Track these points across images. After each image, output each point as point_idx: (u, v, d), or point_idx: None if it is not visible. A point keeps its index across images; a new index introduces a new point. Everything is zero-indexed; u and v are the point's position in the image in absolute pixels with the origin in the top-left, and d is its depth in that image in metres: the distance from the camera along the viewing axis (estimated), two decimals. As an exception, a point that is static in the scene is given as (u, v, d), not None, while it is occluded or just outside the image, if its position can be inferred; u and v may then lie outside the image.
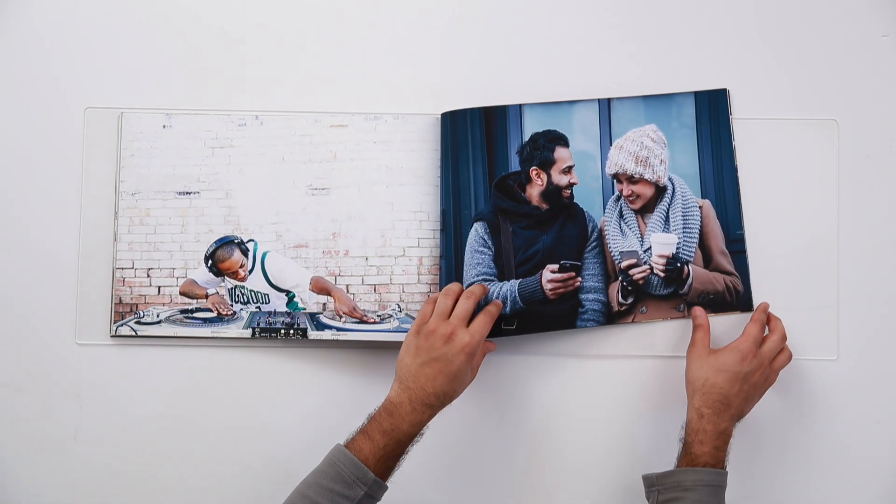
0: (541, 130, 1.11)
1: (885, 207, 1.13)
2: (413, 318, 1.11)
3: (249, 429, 1.12)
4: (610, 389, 1.12)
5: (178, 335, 1.11)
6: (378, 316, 1.12)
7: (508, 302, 1.09)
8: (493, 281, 1.09)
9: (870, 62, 1.13)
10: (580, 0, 1.15)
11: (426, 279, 1.12)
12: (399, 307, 1.12)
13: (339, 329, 1.11)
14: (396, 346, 1.09)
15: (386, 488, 0.96)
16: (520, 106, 1.11)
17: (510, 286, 1.09)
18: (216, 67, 1.14)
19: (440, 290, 1.07)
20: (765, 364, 1.04)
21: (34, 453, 1.11)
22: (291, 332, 1.11)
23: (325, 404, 1.11)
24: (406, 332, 1.09)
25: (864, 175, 1.13)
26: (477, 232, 1.10)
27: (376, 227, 1.12)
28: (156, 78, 1.14)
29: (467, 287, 1.06)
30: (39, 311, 1.12)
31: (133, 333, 1.11)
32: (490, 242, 1.10)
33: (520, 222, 1.10)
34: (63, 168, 1.12)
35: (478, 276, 1.09)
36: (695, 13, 1.14)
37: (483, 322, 1.01)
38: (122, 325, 1.11)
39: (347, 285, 1.12)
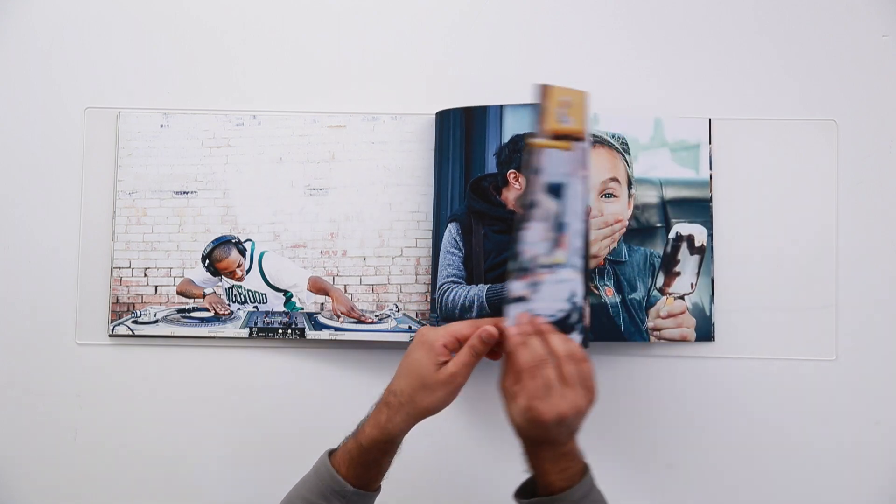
0: (522, 133, 1.06)
1: (884, 208, 1.12)
2: (411, 317, 1.11)
3: (247, 428, 1.12)
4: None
5: (176, 335, 1.11)
6: (376, 316, 1.11)
7: (475, 307, 1.04)
8: (461, 283, 1.06)
9: (870, 62, 1.12)
10: (578, 4, 1.14)
11: (424, 279, 1.12)
12: (397, 307, 1.12)
13: (336, 329, 1.11)
14: (394, 345, 1.10)
15: (372, 496, 0.93)
16: (500, 107, 1.07)
17: (478, 291, 1.06)
18: (214, 67, 1.14)
19: (433, 290, 1.07)
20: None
21: (34, 453, 1.11)
22: (289, 331, 1.11)
23: (322, 404, 1.12)
24: (403, 331, 1.10)
25: (864, 175, 1.12)
26: (450, 233, 1.07)
27: (374, 227, 1.12)
28: (153, 78, 1.13)
29: (442, 285, 1.05)
30: (40, 311, 1.12)
31: (130, 333, 1.11)
32: (461, 244, 1.07)
33: (493, 225, 1.07)
34: (63, 168, 1.12)
35: (448, 277, 1.07)
36: (693, 12, 1.14)
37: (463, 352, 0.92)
38: (119, 324, 1.11)
39: (345, 285, 1.12)
